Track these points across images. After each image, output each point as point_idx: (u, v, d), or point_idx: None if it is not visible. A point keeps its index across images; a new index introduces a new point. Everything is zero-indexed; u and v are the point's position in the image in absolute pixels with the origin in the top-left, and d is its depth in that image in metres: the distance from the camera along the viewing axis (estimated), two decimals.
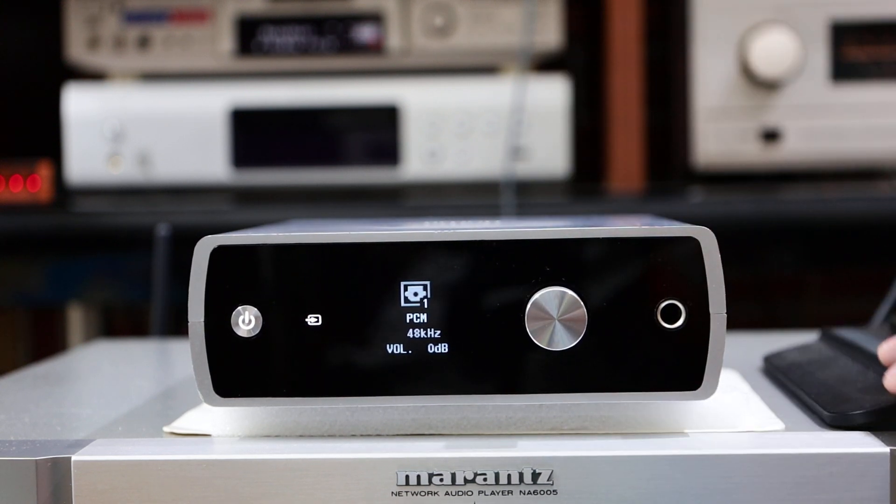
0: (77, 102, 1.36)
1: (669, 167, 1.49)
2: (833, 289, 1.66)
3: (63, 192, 1.37)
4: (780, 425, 0.54)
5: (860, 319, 1.62)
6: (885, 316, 0.92)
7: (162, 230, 0.90)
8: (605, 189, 1.42)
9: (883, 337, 0.63)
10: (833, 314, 1.65)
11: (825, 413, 0.53)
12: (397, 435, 0.54)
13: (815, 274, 1.65)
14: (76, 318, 1.46)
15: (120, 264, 1.31)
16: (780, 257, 1.35)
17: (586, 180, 1.47)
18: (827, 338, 0.68)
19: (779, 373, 0.64)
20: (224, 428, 0.55)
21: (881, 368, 0.56)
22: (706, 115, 1.36)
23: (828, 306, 1.66)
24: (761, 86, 1.35)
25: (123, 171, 1.36)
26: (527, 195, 1.30)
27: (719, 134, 1.36)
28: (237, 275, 0.52)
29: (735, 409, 0.55)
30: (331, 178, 1.36)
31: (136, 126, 1.35)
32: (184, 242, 1.04)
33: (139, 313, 1.59)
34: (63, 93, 1.36)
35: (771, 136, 1.37)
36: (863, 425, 0.52)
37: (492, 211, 1.25)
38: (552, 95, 1.36)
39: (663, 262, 0.52)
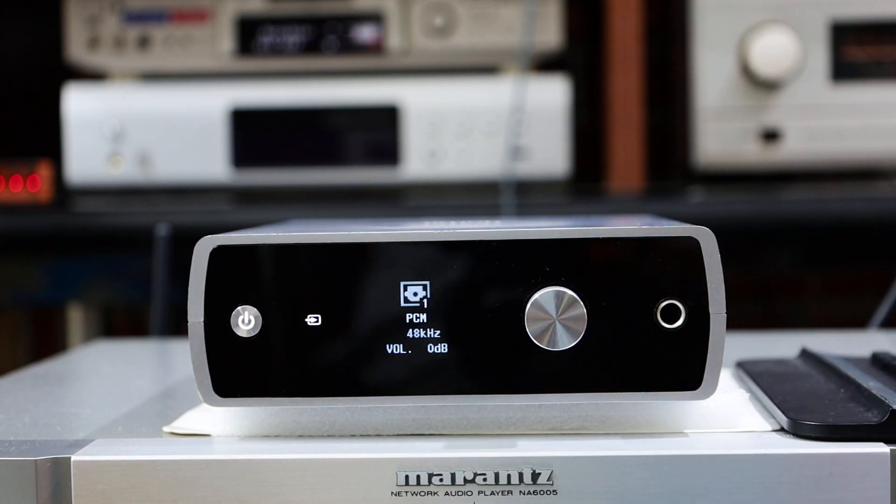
0: (77, 102, 1.36)
1: (669, 167, 1.49)
2: (833, 289, 1.66)
3: (63, 192, 1.37)
4: (779, 425, 0.54)
5: (860, 320, 1.62)
6: (884, 317, 0.92)
7: (162, 230, 0.90)
8: (605, 189, 1.42)
9: (865, 367, 0.63)
10: (833, 314, 1.65)
11: (784, 418, 0.53)
12: (397, 435, 0.54)
13: (815, 274, 1.65)
14: (76, 318, 1.46)
15: (120, 264, 1.31)
16: (780, 257, 1.35)
17: (586, 180, 1.48)
18: (806, 356, 0.68)
19: (748, 378, 0.63)
20: (224, 428, 0.55)
21: (853, 391, 0.56)
22: (706, 115, 1.36)
23: (828, 306, 1.66)
24: (761, 86, 1.35)
25: (123, 171, 1.36)
26: (527, 195, 1.30)
27: (719, 134, 1.36)
28: (237, 275, 0.52)
29: (735, 409, 0.55)
30: (331, 178, 1.36)
31: (136, 126, 1.35)
32: (184, 242, 1.04)
33: (139, 313, 1.59)
34: (63, 93, 1.37)
35: (771, 136, 1.37)
36: (818, 437, 0.51)
37: (492, 211, 1.26)
38: (552, 95, 1.36)
39: (663, 261, 0.52)
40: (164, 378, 0.75)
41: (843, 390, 0.58)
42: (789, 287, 1.66)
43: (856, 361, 0.65)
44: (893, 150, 1.38)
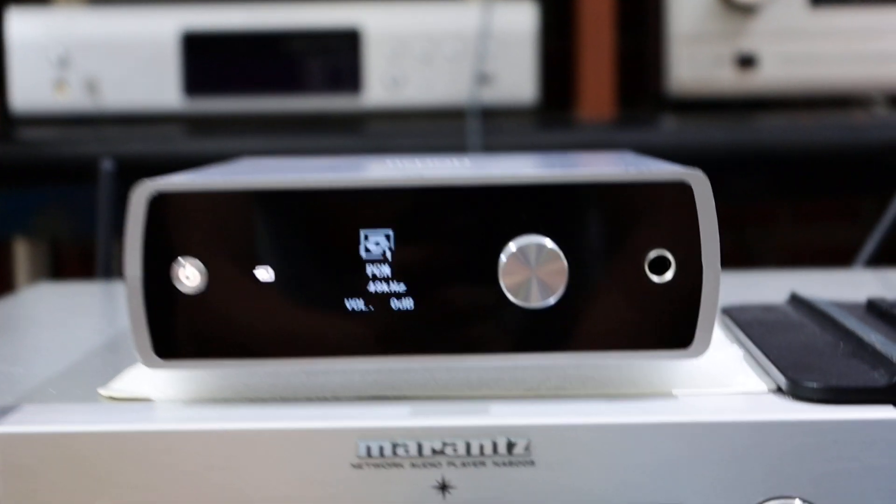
0: (19, 27, 1.29)
1: (641, 94, 1.44)
2: (806, 219, 1.63)
3: (7, 121, 1.31)
4: (775, 384, 0.49)
5: (833, 250, 1.58)
6: (869, 256, 0.88)
7: (107, 165, 0.85)
8: (574, 118, 1.37)
9: (861, 316, 0.58)
10: (805, 245, 1.62)
11: (782, 378, 0.48)
12: (357, 397, 0.49)
13: (791, 203, 1.61)
14: (23, 253, 1.40)
15: (67, 197, 1.26)
16: (754, 187, 1.31)
17: (555, 108, 1.42)
18: (796, 302, 0.63)
19: (737, 327, 0.59)
20: (166, 391, 0.50)
21: (853, 345, 0.52)
22: (680, 39, 1.31)
23: (800, 237, 1.63)
24: (738, 9, 1.30)
25: (70, 99, 1.29)
26: (493, 123, 1.25)
27: (694, 59, 1.31)
28: (179, 223, 0.47)
29: (727, 368, 0.50)
30: (289, 105, 1.31)
31: (82, 51, 1.29)
32: (133, 174, 0.98)
33: (89, 248, 1.53)
34: (4, 16, 1.30)
35: (747, 61, 1.32)
36: (821, 399, 0.46)
37: (457, 139, 1.20)
38: (519, 19, 1.30)
39: (651, 208, 0.47)
40: (108, 327, 0.69)
41: (842, 344, 0.53)
42: (762, 216, 1.62)
43: (850, 308, 0.60)
44: (872, 76, 1.34)
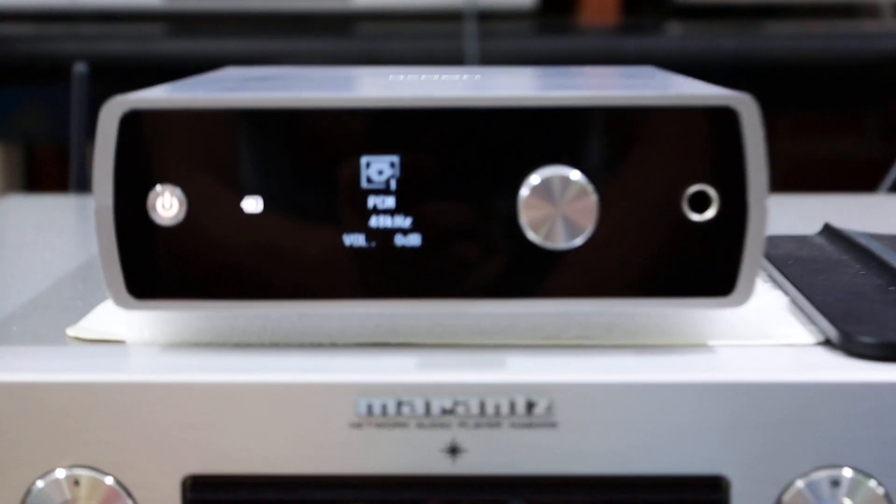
0: None
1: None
2: (808, 132, 1.58)
3: None
4: (822, 335, 0.44)
5: (840, 160, 1.53)
6: (894, 181, 0.83)
7: (80, 68, 0.78)
8: (575, 23, 1.30)
9: None
10: (805, 157, 1.57)
11: (832, 330, 0.43)
12: (356, 345, 0.43)
13: (793, 116, 1.56)
14: None
15: (43, 97, 1.19)
16: (761, 97, 1.25)
17: (554, 12, 1.35)
18: (831, 234, 0.58)
19: (771, 265, 0.53)
20: (142, 332, 0.44)
21: None
22: None
23: (801, 149, 1.58)
24: None
25: None
26: (490, 26, 1.18)
27: None
28: (155, 146, 0.41)
29: (770, 316, 0.45)
30: (274, 4, 1.24)
31: None
32: (110, 76, 0.91)
33: (68, 152, 1.47)
34: None
35: None
36: (876, 356, 0.41)
37: (452, 43, 1.14)
38: None
39: (692, 137, 0.41)
40: (80, 249, 0.64)
41: (892, 288, 0.48)
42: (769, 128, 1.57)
43: (892, 242, 0.55)
44: None
